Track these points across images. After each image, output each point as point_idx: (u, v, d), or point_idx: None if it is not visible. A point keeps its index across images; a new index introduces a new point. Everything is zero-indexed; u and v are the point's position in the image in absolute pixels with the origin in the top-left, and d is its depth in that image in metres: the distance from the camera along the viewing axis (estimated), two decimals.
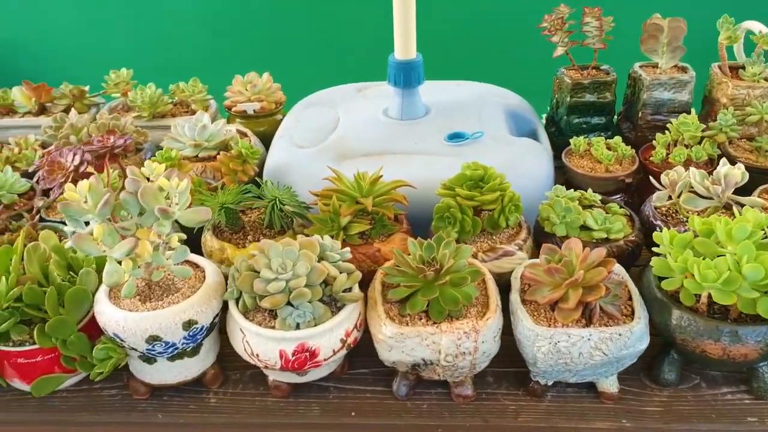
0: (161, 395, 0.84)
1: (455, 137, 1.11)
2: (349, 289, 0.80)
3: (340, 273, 0.78)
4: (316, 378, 0.83)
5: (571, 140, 1.13)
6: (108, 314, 0.76)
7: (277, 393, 0.83)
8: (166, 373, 0.82)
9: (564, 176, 1.14)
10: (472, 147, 1.09)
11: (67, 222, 0.78)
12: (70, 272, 0.84)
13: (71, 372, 0.83)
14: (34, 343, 0.80)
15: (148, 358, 0.80)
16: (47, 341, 0.78)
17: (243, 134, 1.22)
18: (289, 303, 0.76)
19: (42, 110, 1.32)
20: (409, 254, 0.80)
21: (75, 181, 0.82)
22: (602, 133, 1.22)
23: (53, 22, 2.16)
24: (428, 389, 0.84)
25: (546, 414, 0.81)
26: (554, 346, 0.75)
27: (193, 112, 1.31)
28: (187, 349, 0.80)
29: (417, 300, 0.76)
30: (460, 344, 0.75)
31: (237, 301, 0.80)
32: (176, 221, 0.76)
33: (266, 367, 0.78)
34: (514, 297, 0.79)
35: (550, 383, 0.82)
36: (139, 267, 0.76)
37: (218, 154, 1.15)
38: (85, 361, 0.81)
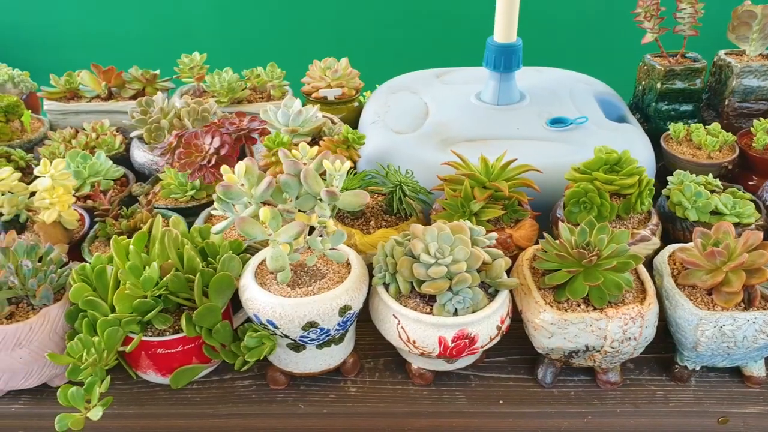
0: (298, 385, 0.82)
1: (557, 122, 1.09)
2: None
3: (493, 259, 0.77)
4: (462, 366, 0.81)
5: (670, 126, 1.12)
6: (262, 300, 0.73)
7: (420, 381, 0.81)
8: (312, 361, 0.79)
9: (660, 162, 1.13)
10: (575, 132, 1.08)
11: (217, 205, 0.75)
12: (207, 258, 0.80)
13: (207, 362, 0.80)
14: (174, 333, 0.77)
15: (297, 346, 0.77)
16: (192, 330, 0.75)
17: (330, 120, 1.19)
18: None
19: (110, 95, 1.27)
20: (558, 239, 0.79)
21: (218, 164, 0.79)
22: (689, 121, 1.22)
23: (59, 7, 2.09)
24: (571, 376, 0.83)
25: (695, 399, 0.80)
26: (719, 330, 0.74)
27: (269, 98, 1.28)
28: (336, 336, 0.77)
29: (579, 285, 0.75)
30: (626, 329, 0.74)
31: (386, 286, 0.78)
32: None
33: (422, 354, 0.75)
34: (668, 281, 0.78)
35: (697, 368, 0.81)
36: (295, 251, 0.73)
37: (313, 140, 1.12)
38: (227, 351, 0.78)
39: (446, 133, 1.08)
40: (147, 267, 0.74)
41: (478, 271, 0.76)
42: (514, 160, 0.90)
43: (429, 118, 1.13)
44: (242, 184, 0.73)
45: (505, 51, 1.10)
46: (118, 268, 0.76)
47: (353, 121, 1.25)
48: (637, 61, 1.29)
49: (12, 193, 0.89)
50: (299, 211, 0.73)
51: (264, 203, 0.73)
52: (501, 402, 0.80)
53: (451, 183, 0.89)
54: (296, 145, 1.08)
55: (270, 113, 1.10)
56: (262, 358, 0.76)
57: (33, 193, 0.91)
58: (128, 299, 0.74)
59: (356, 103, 1.31)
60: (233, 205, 0.75)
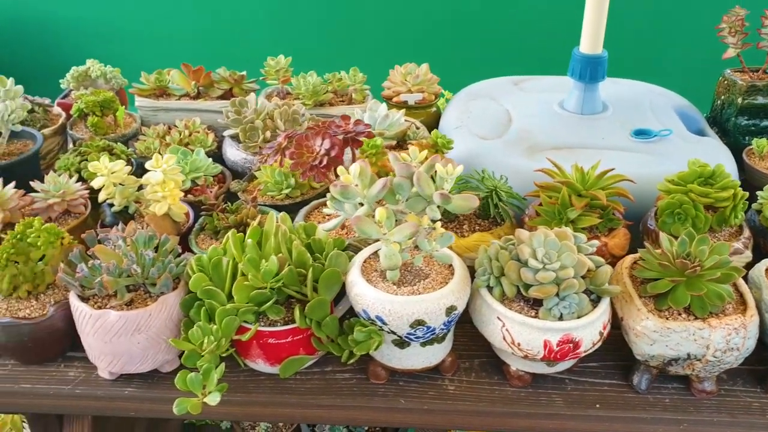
0: (397, 381, 0.84)
1: (642, 133, 1.11)
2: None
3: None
4: (561, 369, 0.83)
5: (753, 141, 1.13)
6: (372, 297, 0.76)
7: (518, 383, 0.83)
8: (415, 358, 0.81)
9: (741, 175, 1.14)
10: (660, 144, 1.09)
11: (330, 204, 0.79)
12: (313, 254, 0.83)
13: (313, 354, 0.83)
14: (285, 324, 0.80)
15: (402, 343, 0.79)
16: (304, 322, 0.78)
17: (413, 125, 1.22)
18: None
19: (198, 94, 1.32)
20: (658, 249, 0.81)
21: (328, 165, 0.82)
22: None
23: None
24: (665, 384, 0.84)
25: None
26: None
27: (350, 101, 1.31)
28: (440, 335, 0.80)
29: (681, 295, 0.76)
30: (729, 340, 0.75)
31: (489, 289, 0.80)
32: None
33: (525, 357, 0.77)
34: (767, 294, 0.79)
35: None
36: (404, 251, 0.76)
37: (397, 143, 1.15)
38: (333, 343, 0.81)
39: (532, 140, 1.10)
40: (263, 260, 0.77)
41: (583, 277, 0.78)
42: (612, 169, 0.92)
43: (513, 125, 1.15)
44: (356, 185, 0.76)
45: (591, 62, 1.12)
46: (235, 259, 0.80)
47: (431, 126, 1.27)
48: (707, 74, 1.30)
49: (122, 185, 0.94)
50: (409, 212, 0.76)
51: (376, 203, 0.77)
52: (597, 406, 0.81)
53: (547, 190, 0.91)
54: (387, 148, 1.11)
55: (357, 117, 1.13)
56: (369, 352, 0.78)
57: (140, 186, 0.95)
58: (246, 290, 0.77)
59: (433, 109, 1.33)
60: (345, 204, 0.78)
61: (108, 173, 0.91)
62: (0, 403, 0.85)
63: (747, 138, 1.20)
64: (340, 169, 0.76)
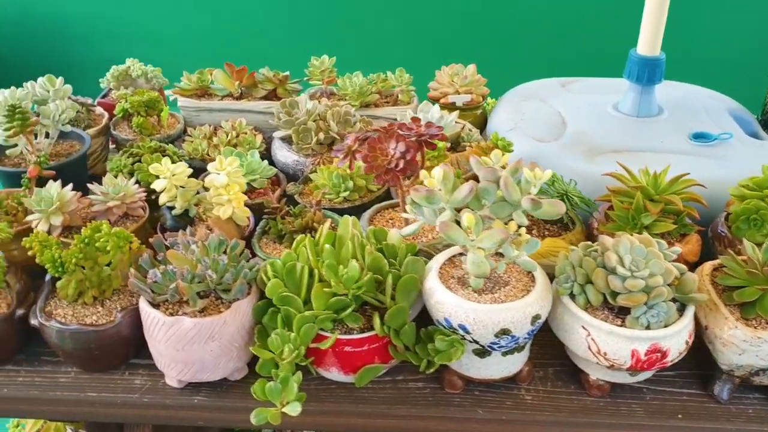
0: (472, 390, 0.82)
1: (701, 137, 1.09)
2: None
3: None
4: (642, 379, 0.81)
5: None
6: (454, 305, 0.74)
7: (597, 392, 0.81)
8: (495, 368, 0.80)
9: None
10: (718, 148, 1.08)
11: (409, 209, 0.77)
12: (387, 260, 0.81)
13: (387, 362, 0.81)
14: (361, 332, 0.78)
15: (483, 352, 0.78)
16: (382, 329, 0.76)
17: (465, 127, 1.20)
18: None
19: (241, 94, 1.29)
20: (741, 256, 0.79)
21: (404, 169, 0.80)
22: None
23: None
24: (746, 394, 0.82)
25: None
26: None
27: (395, 102, 1.29)
28: (522, 344, 0.78)
29: None
30: None
31: (571, 297, 0.78)
32: None
33: (611, 366, 0.76)
34: None
35: None
36: (486, 257, 0.74)
37: (450, 146, 1.13)
38: (410, 352, 0.79)
39: (590, 143, 1.08)
40: (341, 266, 0.75)
41: (669, 285, 0.76)
42: (686, 174, 0.90)
43: (568, 128, 1.14)
44: (439, 189, 0.74)
45: (649, 64, 1.11)
46: (311, 265, 0.77)
47: (478, 128, 1.25)
48: (760, 76, 1.28)
49: (183, 187, 0.91)
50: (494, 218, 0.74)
51: (457, 209, 0.75)
52: (680, 416, 0.80)
53: (619, 194, 0.90)
54: (449, 150, 1.09)
55: (407, 119, 1.11)
56: (452, 361, 0.76)
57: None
58: (325, 296, 0.75)
59: (479, 110, 1.31)
60: (425, 209, 0.76)
61: (170, 175, 0.88)
62: (66, 412, 0.83)
63: None
64: (423, 173, 0.74)
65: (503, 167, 0.78)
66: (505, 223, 0.75)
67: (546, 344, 0.86)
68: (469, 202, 0.75)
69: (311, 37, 2.02)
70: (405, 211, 0.78)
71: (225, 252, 0.81)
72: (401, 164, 0.79)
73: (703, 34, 1.84)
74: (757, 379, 0.78)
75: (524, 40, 1.95)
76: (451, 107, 1.28)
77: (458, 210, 0.76)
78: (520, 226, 0.74)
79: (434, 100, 1.30)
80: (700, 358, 0.81)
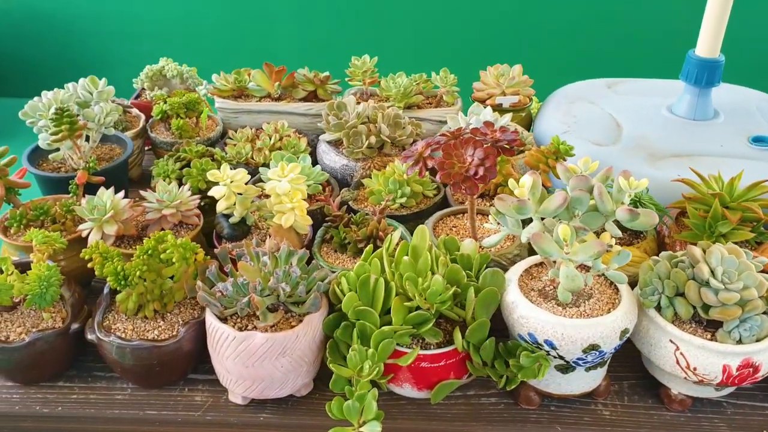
0: (548, 406, 0.80)
1: (760, 140, 1.07)
2: None
3: None
4: (727, 394, 0.79)
5: None
6: (540, 320, 0.71)
7: (678, 407, 0.78)
8: (576, 383, 0.77)
9: None
10: None
11: (492, 218, 0.73)
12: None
13: (461, 378, 0.78)
14: (439, 347, 0.75)
15: (567, 368, 0.75)
16: (462, 345, 0.73)
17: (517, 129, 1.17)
18: None
19: (280, 95, 1.26)
20: None
21: (483, 177, 0.77)
22: None
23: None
24: None
25: None
26: None
27: (438, 104, 1.26)
28: (606, 360, 0.75)
29: None
30: None
31: (657, 309, 0.75)
32: None
33: (700, 382, 0.73)
34: None
35: None
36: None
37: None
38: (489, 367, 0.76)
39: (650, 147, 1.06)
40: (420, 278, 0.72)
41: (761, 297, 0.73)
42: (764, 180, 0.87)
43: (624, 131, 1.11)
44: (528, 199, 0.71)
45: (709, 66, 1.08)
46: (388, 278, 0.74)
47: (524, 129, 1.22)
48: None
49: (241, 194, 0.88)
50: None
51: (542, 218, 0.72)
52: (765, 431, 0.77)
53: (695, 202, 0.87)
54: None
55: (460, 121, 1.08)
56: (538, 378, 0.73)
57: (258, 196, 0.90)
58: (405, 310, 0.72)
59: (524, 112, 1.28)
60: (508, 219, 0.73)
61: (229, 182, 0.85)
62: (123, 431, 0.79)
63: None
64: (511, 182, 0.70)
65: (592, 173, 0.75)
66: (596, 234, 0.72)
67: (620, 356, 0.83)
68: (561, 213, 0.72)
69: (345, 38, 1.98)
70: (483, 221, 0.74)
71: (293, 263, 0.78)
72: (481, 171, 0.76)
73: (754, 35, 1.81)
74: None
75: (562, 40, 1.91)
76: (497, 108, 1.24)
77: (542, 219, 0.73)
78: (613, 237, 0.71)
79: (480, 102, 1.26)
80: None
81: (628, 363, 0.83)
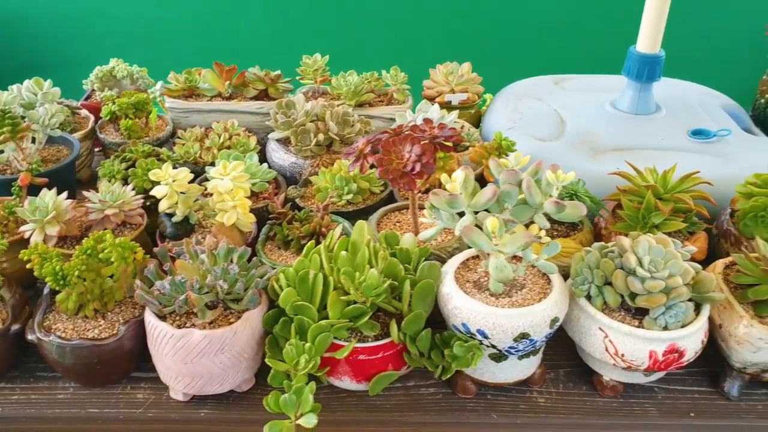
0: (485, 394, 0.81)
1: (700, 134, 1.10)
2: None
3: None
4: (656, 379, 0.81)
5: None
6: (473, 310, 0.73)
7: (610, 393, 0.81)
8: (509, 371, 0.79)
9: None
10: (717, 144, 1.08)
11: (427, 213, 0.75)
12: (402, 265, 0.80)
13: (400, 369, 0.80)
14: (375, 340, 0.76)
15: (500, 356, 0.76)
16: (399, 336, 0.75)
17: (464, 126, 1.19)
18: None
19: (231, 95, 1.26)
20: (753, 254, 0.79)
21: (420, 173, 0.78)
22: None
23: None
24: (755, 390, 0.83)
25: None
26: None
27: (390, 101, 1.27)
28: (538, 348, 0.77)
29: None
30: None
31: (587, 298, 0.77)
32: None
33: (628, 368, 0.75)
34: None
35: None
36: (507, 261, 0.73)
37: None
38: (425, 358, 0.78)
39: (592, 142, 1.08)
40: (358, 272, 0.74)
41: (686, 284, 0.76)
42: (697, 172, 0.90)
43: (568, 126, 1.13)
44: (460, 193, 0.73)
45: (649, 61, 1.11)
46: (327, 273, 0.75)
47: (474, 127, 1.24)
48: (749, 73, 1.30)
49: (184, 193, 0.88)
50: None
51: (475, 212, 0.73)
52: (692, 414, 0.80)
53: (629, 194, 0.89)
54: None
55: (408, 118, 1.09)
56: (470, 367, 0.75)
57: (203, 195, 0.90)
58: (342, 305, 0.73)
59: (473, 109, 1.30)
60: (443, 213, 0.75)
61: (171, 181, 0.85)
62: (66, 430, 0.79)
63: None
64: (443, 177, 0.72)
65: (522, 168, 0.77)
66: (526, 226, 0.74)
67: (555, 345, 0.85)
68: (491, 206, 0.74)
69: (298, 36, 1.98)
70: (422, 215, 0.76)
71: (233, 260, 0.79)
72: (417, 167, 0.77)
73: (694, 31, 1.86)
74: (767, 376, 0.79)
75: (514, 37, 1.94)
76: (446, 106, 1.26)
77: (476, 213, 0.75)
78: (541, 229, 0.73)
79: (429, 99, 1.28)
80: (708, 356, 0.81)
81: (564, 351, 0.85)
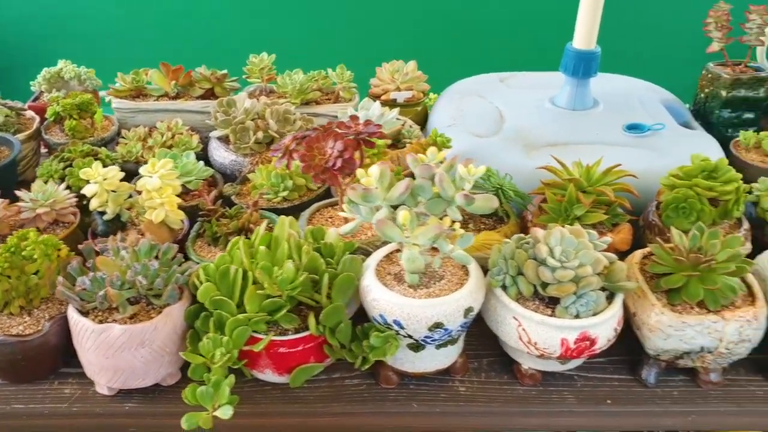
0: (407, 384, 0.83)
1: (634, 128, 1.12)
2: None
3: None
4: (572, 367, 0.83)
5: (740, 134, 1.15)
6: (389, 301, 0.74)
7: (529, 381, 0.83)
8: (428, 361, 0.80)
9: None
10: (651, 138, 1.11)
11: (346, 208, 0.77)
12: (325, 259, 0.81)
13: (323, 361, 0.81)
14: (295, 332, 0.78)
15: (417, 346, 0.78)
16: (317, 329, 0.76)
17: (406, 123, 1.20)
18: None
19: (177, 94, 1.27)
20: (668, 244, 0.81)
21: (342, 168, 0.80)
22: (750, 128, 1.25)
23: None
24: (672, 377, 0.84)
25: None
26: None
27: (336, 99, 1.29)
28: (456, 337, 0.79)
29: (695, 289, 0.77)
30: (742, 332, 0.76)
31: (503, 288, 0.79)
32: None
33: (541, 356, 0.77)
34: None
35: None
36: (422, 253, 0.75)
37: (392, 143, 1.13)
38: (346, 350, 0.79)
39: (527, 138, 1.10)
40: (276, 267, 0.75)
41: (598, 274, 0.78)
42: (617, 165, 0.92)
43: (506, 123, 1.15)
44: (376, 187, 0.74)
45: (585, 58, 1.13)
46: (246, 267, 0.77)
47: (419, 125, 1.26)
48: (692, 68, 1.32)
49: (115, 192, 0.89)
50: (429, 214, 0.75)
51: (393, 206, 0.75)
52: (608, 402, 0.81)
53: (553, 187, 0.91)
54: (390, 147, 1.09)
55: (349, 116, 1.11)
56: (386, 357, 0.77)
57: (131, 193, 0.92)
58: (259, 299, 0.75)
59: (420, 107, 1.32)
60: (362, 207, 0.76)
61: (101, 180, 0.87)
62: None
63: (730, 130, 1.23)
64: (359, 171, 0.74)
65: (441, 164, 0.78)
66: (441, 219, 0.75)
67: (480, 335, 0.86)
68: (405, 200, 0.75)
69: (251, 35, 2.00)
70: (343, 209, 0.78)
71: (157, 257, 0.80)
72: (338, 163, 0.79)
73: (643, 27, 1.89)
74: (681, 362, 0.81)
75: (466, 35, 1.96)
76: (392, 104, 1.28)
77: (395, 207, 0.76)
78: (454, 221, 0.75)
79: (375, 97, 1.30)
80: (629, 344, 0.83)
81: (488, 342, 0.87)
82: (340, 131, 0.83)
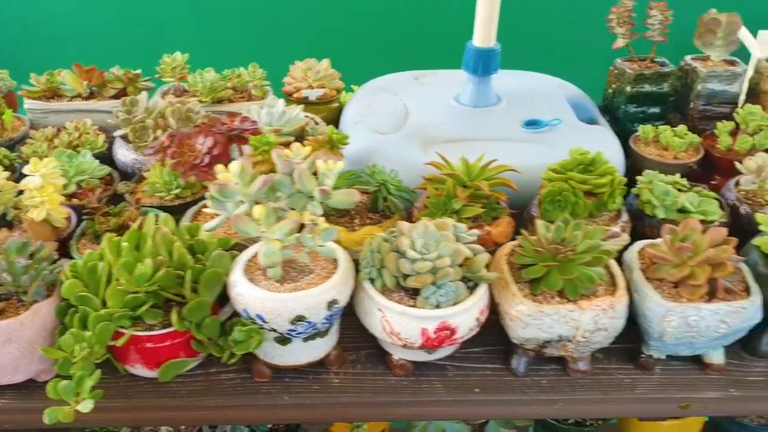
0: (282, 377, 0.84)
1: (532, 124, 1.14)
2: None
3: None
4: (441, 357, 0.85)
5: (639, 128, 1.17)
6: (251, 296, 0.76)
7: (400, 371, 0.84)
8: (298, 354, 0.82)
9: (628, 161, 1.18)
10: (549, 134, 1.12)
11: (211, 204, 0.78)
12: (195, 255, 0.82)
13: (194, 356, 0.82)
14: (163, 328, 0.79)
15: (284, 339, 0.79)
16: (182, 325, 0.77)
17: (313, 121, 1.21)
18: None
19: (91, 94, 1.28)
20: (534, 236, 0.83)
21: (211, 164, 0.81)
22: (656, 123, 1.27)
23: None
24: (543, 366, 0.86)
25: (659, 386, 0.84)
26: (684, 320, 0.78)
27: (250, 98, 1.30)
28: (323, 330, 0.80)
29: (554, 279, 0.79)
30: (597, 320, 0.78)
31: (371, 281, 0.80)
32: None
33: (404, 345, 0.79)
34: (638, 275, 0.82)
35: (662, 357, 0.86)
36: (286, 248, 0.76)
37: (296, 140, 1.14)
38: (214, 345, 0.80)
39: (427, 135, 1.11)
40: (139, 263, 0.76)
41: (460, 265, 0.79)
42: (494, 160, 0.94)
43: (410, 120, 1.17)
44: (236, 183, 0.76)
45: (484, 55, 1.14)
46: (111, 264, 0.78)
47: (334, 122, 1.27)
48: (607, 64, 1.34)
49: (0, 191, 0.90)
50: (291, 209, 0.76)
51: (257, 201, 0.76)
52: (477, 390, 0.83)
53: (434, 182, 0.93)
54: (282, 145, 1.11)
55: (253, 113, 1.12)
56: (250, 351, 0.78)
57: (20, 192, 0.92)
58: (120, 295, 0.76)
59: (336, 104, 1.33)
60: (226, 203, 0.77)
61: None
62: None
63: (636, 125, 1.25)
64: (218, 167, 0.75)
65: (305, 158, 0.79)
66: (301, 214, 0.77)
67: (360, 328, 0.87)
68: (267, 195, 0.77)
69: (171, 36, 2.00)
70: (204, 206, 0.79)
71: (32, 255, 0.81)
72: (206, 159, 0.80)
73: (560, 24, 1.90)
74: (548, 351, 0.83)
75: (384, 34, 1.97)
76: (304, 101, 1.29)
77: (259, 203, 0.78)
78: (314, 215, 0.76)
79: (288, 95, 1.31)
80: (504, 334, 0.85)
81: (368, 333, 0.88)
82: (214, 128, 0.84)
